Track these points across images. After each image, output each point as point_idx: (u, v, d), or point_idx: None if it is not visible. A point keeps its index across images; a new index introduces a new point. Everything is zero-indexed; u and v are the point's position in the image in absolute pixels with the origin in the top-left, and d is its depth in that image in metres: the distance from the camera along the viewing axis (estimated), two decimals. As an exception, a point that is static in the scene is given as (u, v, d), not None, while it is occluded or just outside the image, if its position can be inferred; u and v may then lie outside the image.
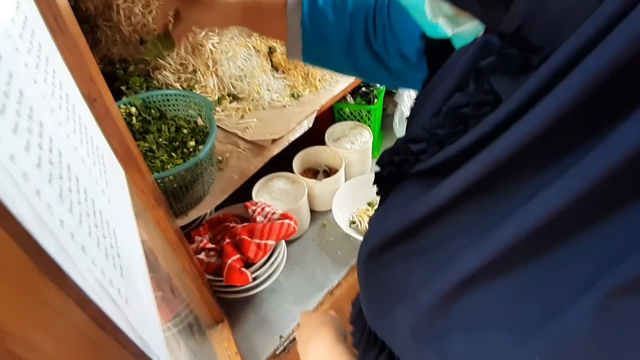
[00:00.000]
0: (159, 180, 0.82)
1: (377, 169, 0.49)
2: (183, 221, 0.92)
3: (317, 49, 0.70)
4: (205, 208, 0.95)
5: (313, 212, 1.34)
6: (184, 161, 0.96)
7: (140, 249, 0.50)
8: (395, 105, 1.55)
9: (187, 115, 1.03)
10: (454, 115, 0.40)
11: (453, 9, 0.40)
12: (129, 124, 0.98)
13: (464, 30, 0.40)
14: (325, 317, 0.65)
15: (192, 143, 0.98)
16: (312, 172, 1.38)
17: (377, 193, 0.51)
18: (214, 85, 1.17)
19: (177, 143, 1.00)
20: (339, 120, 1.46)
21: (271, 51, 1.23)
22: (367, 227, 0.46)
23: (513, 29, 0.33)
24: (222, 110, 1.16)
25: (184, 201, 0.91)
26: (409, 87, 0.70)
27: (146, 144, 0.97)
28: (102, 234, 0.36)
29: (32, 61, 0.33)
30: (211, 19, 0.71)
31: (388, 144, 1.60)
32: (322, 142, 1.41)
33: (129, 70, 1.13)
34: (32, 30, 0.36)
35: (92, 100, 0.54)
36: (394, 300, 0.40)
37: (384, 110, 1.63)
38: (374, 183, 0.51)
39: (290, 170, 1.32)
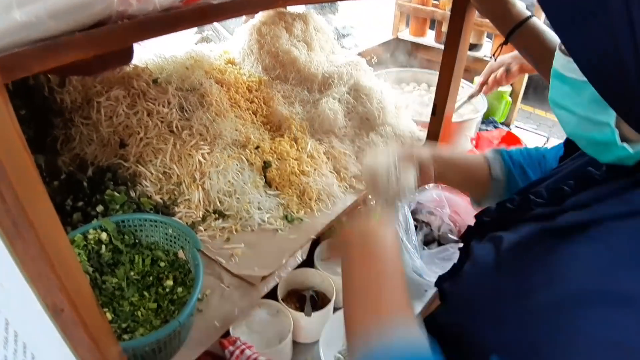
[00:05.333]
0: (130, 350, 0.66)
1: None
2: (150, 384, 0.76)
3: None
4: (178, 366, 0.79)
5: (295, 343, 1.18)
6: (158, 305, 0.81)
7: None
8: (387, 218, 1.45)
9: (167, 243, 0.89)
10: (586, 177, 0.55)
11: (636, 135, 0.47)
12: (98, 254, 0.83)
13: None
14: None
15: (170, 282, 0.83)
16: (297, 296, 1.24)
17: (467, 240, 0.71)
18: (199, 200, 1.04)
19: (151, 279, 0.85)
20: (329, 237, 1.34)
21: (266, 165, 1.12)
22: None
23: None
24: (205, 230, 1.02)
25: (153, 361, 0.75)
26: None
27: (115, 280, 0.82)
28: None
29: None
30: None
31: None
32: (310, 259, 1.28)
33: (104, 179, 0.98)
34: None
35: (57, 311, 0.40)
36: None
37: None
38: (467, 233, 0.73)
39: (273, 291, 1.18)
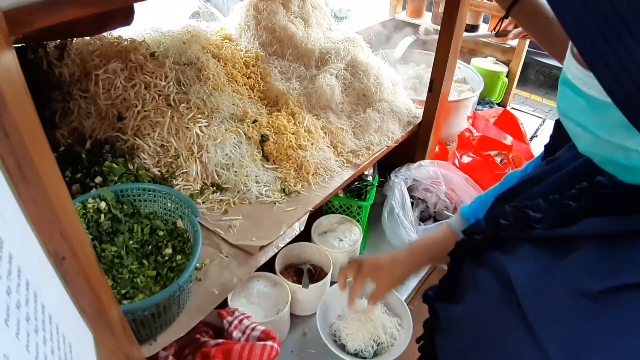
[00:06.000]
0: (129, 313, 0.67)
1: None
2: (150, 349, 0.77)
3: None
4: (177, 332, 0.80)
5: (293, 316, 1.20)
6: (157, 273, 0.82)
7: None
8: (383, 196, 1.46)
9: (166, 213, 0.90)
10: (597, 193, 0.48)
11: None
12: (97, 223, 0.84)
13: None
14: None
15: (169, 250, 0.84)
16: (295, 270, 1.25)
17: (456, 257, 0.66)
18: (197, 173, 1.05)
19: (150, 247, 0.85)
20: (327, 213, 1.36)
21: (263, 139, 1.13)
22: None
23: None
24: (203, 202, 1.03)
25: (153, 326, 0.76)
26: None
27: (114, 249, 0.83)
28: None
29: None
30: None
31: (374, 237, 1.51)
32: (306, 234, 1.30)
33: (102, 151, 0.99)
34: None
35: (59, 259, 0.41)
36: None
37: (371, 199, 1.54)
38: (455, 249, 0.66)
39: (270, 265, 1.19)
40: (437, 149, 1.63)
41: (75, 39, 1.09)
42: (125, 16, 0.67)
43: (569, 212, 0.49)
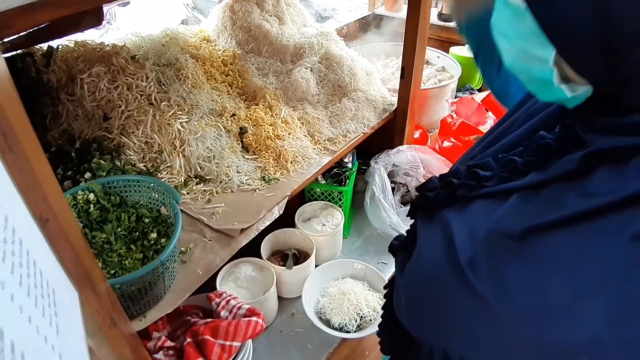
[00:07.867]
0: (116, 286, 0.73)
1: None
2: (140, 324, 0.83)
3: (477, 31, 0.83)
4: (165, 308, 0.87)
5: (281, 299, 1.26)
6: (144, 255, 0.89)
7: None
8: (365, 183, 1.52)
9: (150, 203, 0.96)
10: (537, 145, 0.50)
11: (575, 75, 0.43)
12: (87, 213, 0.90)
13: (580, 92, 0.44)
14: None
15: (154, 235, 0.91)
16: (281, 255, 1.32)
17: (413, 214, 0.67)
18: (181, 167, 1.11)
19: (137, 234, 0.92)
20: (309, 200, 1.42)
21: (242, 131, 1.19)
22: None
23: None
24: (187, 193, 1.10)
25: (141, 302, 0.82)
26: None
27: (103, 236, 0.89)
28: None
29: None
30: None
31: (358, 222, 1.57)
32: (291, 222, 1.36)
33: (91, 150, 1.06)
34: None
35: (44, 222, 0.47)
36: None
37: (354, 186, 1.60)
38: (412, 206, 0.67)
39: (257, 253, 1.26)
40: (417, 135, 1.70)
41: (59, 45, 1.17)
42: (95, 17, 0.74)
43: (515, 168, 0.52)
